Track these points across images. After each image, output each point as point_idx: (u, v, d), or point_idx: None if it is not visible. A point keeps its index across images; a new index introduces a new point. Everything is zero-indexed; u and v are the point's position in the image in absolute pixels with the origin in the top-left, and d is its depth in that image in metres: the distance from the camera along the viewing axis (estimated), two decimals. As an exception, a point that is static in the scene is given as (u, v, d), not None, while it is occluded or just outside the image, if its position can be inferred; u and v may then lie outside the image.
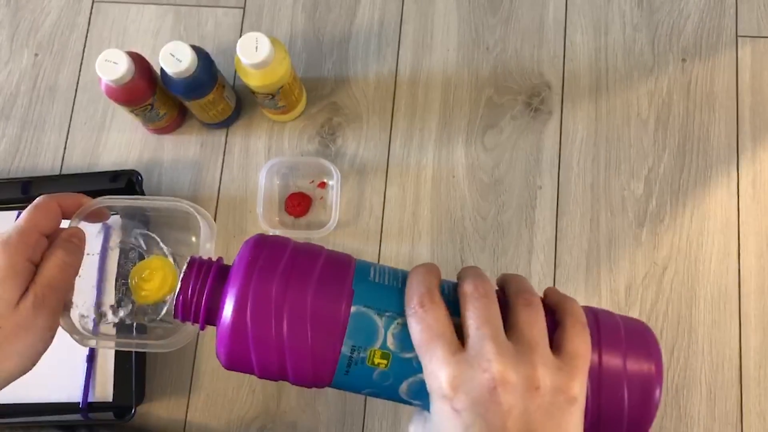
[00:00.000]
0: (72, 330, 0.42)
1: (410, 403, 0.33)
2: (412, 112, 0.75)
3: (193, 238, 0.55)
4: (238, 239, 0.73)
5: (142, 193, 0.70)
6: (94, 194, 0.44)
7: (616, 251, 0.71)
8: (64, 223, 0.41)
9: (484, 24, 0.77)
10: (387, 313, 0.32)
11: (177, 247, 0.53)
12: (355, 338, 0.31)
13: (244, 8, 0.79)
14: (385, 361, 0.31)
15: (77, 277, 0.41)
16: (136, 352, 0.66)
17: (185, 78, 0.64)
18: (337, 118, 0.75)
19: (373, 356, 0.31)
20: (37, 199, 0.40)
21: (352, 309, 0.31)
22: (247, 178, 0.74)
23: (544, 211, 0.72)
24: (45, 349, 0.39)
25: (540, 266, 0.71)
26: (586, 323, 0.32)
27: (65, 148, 0.76)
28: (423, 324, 0.30)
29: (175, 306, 0.33)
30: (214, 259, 0.35)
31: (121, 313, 0.52)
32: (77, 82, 0.78)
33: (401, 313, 0.32)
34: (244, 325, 0.30)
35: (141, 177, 0.70)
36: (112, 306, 0.52)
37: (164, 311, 0.50)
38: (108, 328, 0.52)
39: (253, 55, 0.61)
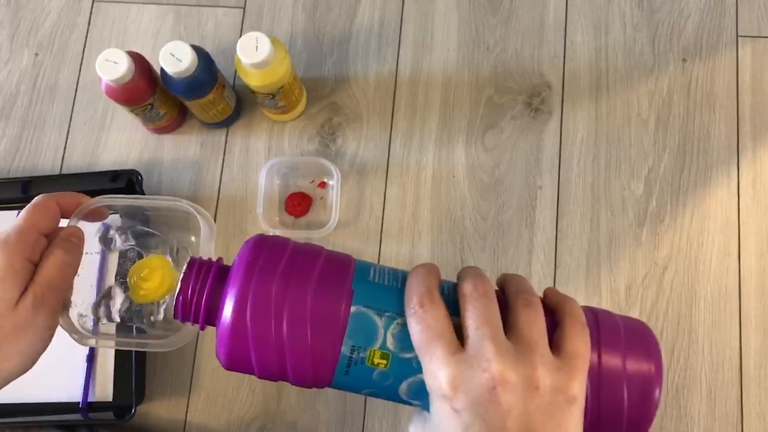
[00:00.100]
0: (71, 329, 0.42)
1: (410, 404, 0.33)
2: (412, 112, 0.75)
3: (193, 238, 0.55)
4: (238, 239, 0.73)
5: (142, 193, 0.70)
6: (94, 194, 0.43)
7: (617, 251, 0.71)
8: (63, 223, 0.41)
9: (484, 24, 0.77)
10: (387, 313, 0.32)
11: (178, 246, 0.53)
12: (355, 338, 0.31)
13: (244, 8, 0.79)
14: (384, 361, 0.31)
15: (76, 277, 0.41)
16: (136, 351, 0.66)
17: (185, 78, 0.64)
18: (337, 117, 0.75)
19: (373, 356, 0.31)
20: (36, 198, 0.40)
21: (352, 309, 0.31)
22: (247, 177, 0.74)
23: (545, 211, 0.72)
24: (44, 349, 0.39)
25: (540, 266, 0.71)
26: (585, 323, 0.32)
27: (65, 148, 0.76)
28: (423, 324, 0.30)
29: (175, 306, 0.33)
30: (214, 259, 0.35)
31: (120, 313, 0.52)
32: (77, 82, 0.78)
33: (401, 313, 0.32)
34: (244, 325, 0.30)
35: (141, 177, 0.70)
36: (110, 305, 0.52)
37: (161, 314, 0.49)
38: (107, 328, 0.52)
39: (253, 54, 0.61)
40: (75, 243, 0.40)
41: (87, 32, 0.79)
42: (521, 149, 0.74)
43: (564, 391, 0.29)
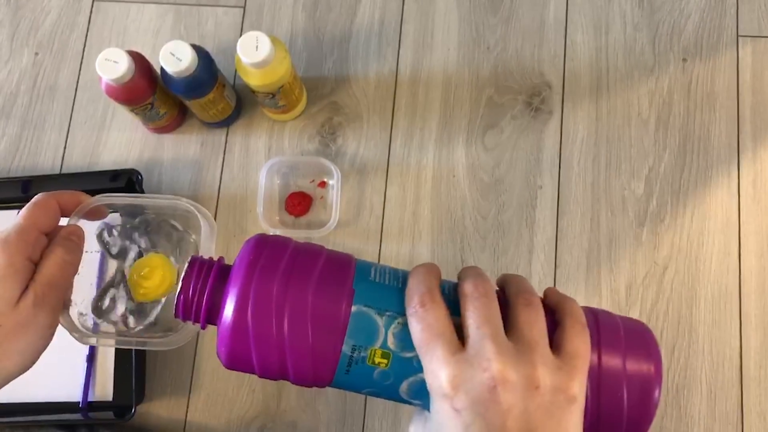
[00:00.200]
0: (71, 328, 0.42)
1: (410, 403, 0.33)
2: (412, 111, 0.75)
3: (194, 237, 0.55)
4: (239, 238, 0.73)
5: (142, 193, 0.70)
6: (94, 193, 0.43)
7: (617, 251, 0.71)
8: (63, 221, 0.41)
9: (484, 23, 0.77)
10: (387, 313, 0.32)
11: (177, 246, 0.53)
12: (356, 338, 0.31)
13: (244, 7, 0.79)
14: (385, 361, 0.31)
15: (76, 275, 0.41)
16: (136, 351, 0.66)
17: (185, 77, 0.64)
18: (337, 117, 0.75)
19: (374, 356, 0.31)
20: (36, 196, 0.40)
21: (353, 308, 0.31)
22: (247, 177, 0.74)
23: (545, 211, 0.72)
24: (45, 348, 0.39)
25: (540, 266, 0.71)
26: (585, 323, 0.32)
27: (65, 147, 0.76)
28: (423, 323, 0.30)
29: (176, 305, 0.33)
30: (215, 258, 0.35)
31: (120, 312, 0.52)
32: (77, 81, 0.78)
33: (402, 312, 0.32)
34: (245, 324, 0.30)
35: (141, 176, 0.70)
36: (111, 304, 0.52)
37: (156, 315, 0.49)
38: (107, 326, 0.52)
39: (253, 54, 0.61)
40: (75, 242, 0.40)
41: (87, 31, 0.79)
42: (521, 149, 0.74)
43: (564, 391, 0.29)
